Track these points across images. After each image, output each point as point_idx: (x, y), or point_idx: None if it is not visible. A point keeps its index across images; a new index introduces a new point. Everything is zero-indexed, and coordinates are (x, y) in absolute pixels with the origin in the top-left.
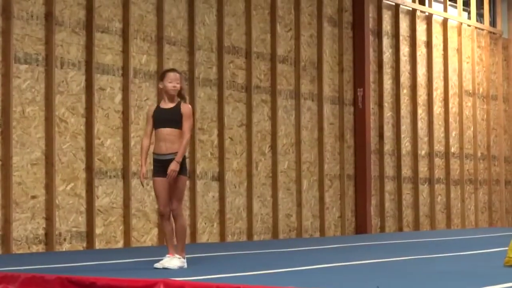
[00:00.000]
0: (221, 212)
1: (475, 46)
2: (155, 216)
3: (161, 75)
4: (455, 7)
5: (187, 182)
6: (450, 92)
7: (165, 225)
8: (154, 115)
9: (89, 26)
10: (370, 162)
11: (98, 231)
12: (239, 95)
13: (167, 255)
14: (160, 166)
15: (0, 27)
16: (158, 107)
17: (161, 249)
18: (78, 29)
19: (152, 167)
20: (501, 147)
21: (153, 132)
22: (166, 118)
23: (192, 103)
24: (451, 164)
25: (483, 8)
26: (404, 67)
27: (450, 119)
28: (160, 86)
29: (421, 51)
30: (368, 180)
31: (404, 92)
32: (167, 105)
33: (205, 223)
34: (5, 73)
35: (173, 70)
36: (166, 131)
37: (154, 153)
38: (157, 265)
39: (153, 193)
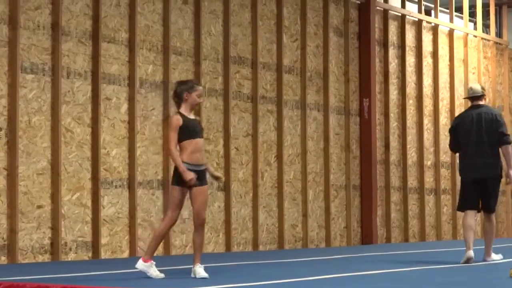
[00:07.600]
0: (227, 222)
1: (481, 56)
2: None
3: (188, 86)
4: (461, 18)
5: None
6: (456, 103)
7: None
8: (186, 125)
9: (95, 36)
10: (376, 172)
11: (103, 241)
12: (245, 105)
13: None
14: (199, 175)
15: (6, 37)
16: (185, 116)
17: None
18: (84, 39)
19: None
20: None
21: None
22: (199, 129)
23: (198, 113)
24: (457, 175)
25: (489, 19)
26: (410, 77)
27: None
28: (186, 97)
29: (427, 61)
30: (374, 190)
31: (410, 103)
32: (191, 115)
33: (211, 233)
34: (11, 83)
35: (199, 83)
36: (202, 141)
37: (190, 164)
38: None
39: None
